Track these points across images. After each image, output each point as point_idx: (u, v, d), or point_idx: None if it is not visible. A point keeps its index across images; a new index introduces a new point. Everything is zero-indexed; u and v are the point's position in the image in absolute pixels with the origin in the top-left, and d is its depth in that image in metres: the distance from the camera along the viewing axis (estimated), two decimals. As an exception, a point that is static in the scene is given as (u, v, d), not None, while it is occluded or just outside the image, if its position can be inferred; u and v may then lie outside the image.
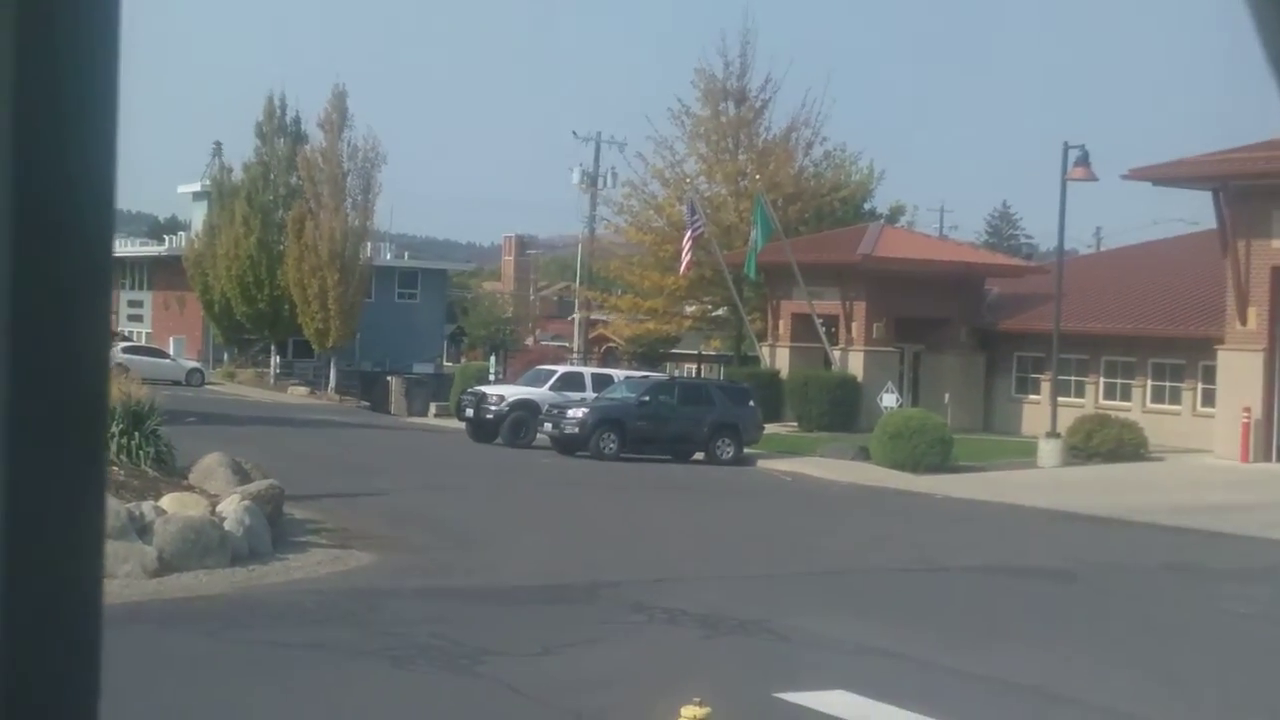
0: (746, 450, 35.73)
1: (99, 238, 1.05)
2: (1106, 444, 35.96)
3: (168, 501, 16.75)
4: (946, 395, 42.62)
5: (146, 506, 16.07)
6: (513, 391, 39.18)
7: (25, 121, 1.01)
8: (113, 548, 14.27)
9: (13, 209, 1.01)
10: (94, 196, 1.05)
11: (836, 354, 45.47)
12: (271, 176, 64.56)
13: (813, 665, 12.06)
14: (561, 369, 42.28)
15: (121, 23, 1.06)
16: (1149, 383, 42.72)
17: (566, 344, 73.36)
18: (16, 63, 1.00)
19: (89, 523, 1.06)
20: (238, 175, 66.30)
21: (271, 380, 64.91)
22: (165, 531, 15.51)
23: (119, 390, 19.65)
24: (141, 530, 15.43)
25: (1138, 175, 38.93)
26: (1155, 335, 41.65)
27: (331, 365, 62.00)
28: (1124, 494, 29.21)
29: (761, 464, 34.83)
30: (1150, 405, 42.10)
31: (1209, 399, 39.15)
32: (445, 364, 70.85)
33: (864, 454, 34.60)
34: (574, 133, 68.24)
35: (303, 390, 61.68)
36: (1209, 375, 39.13)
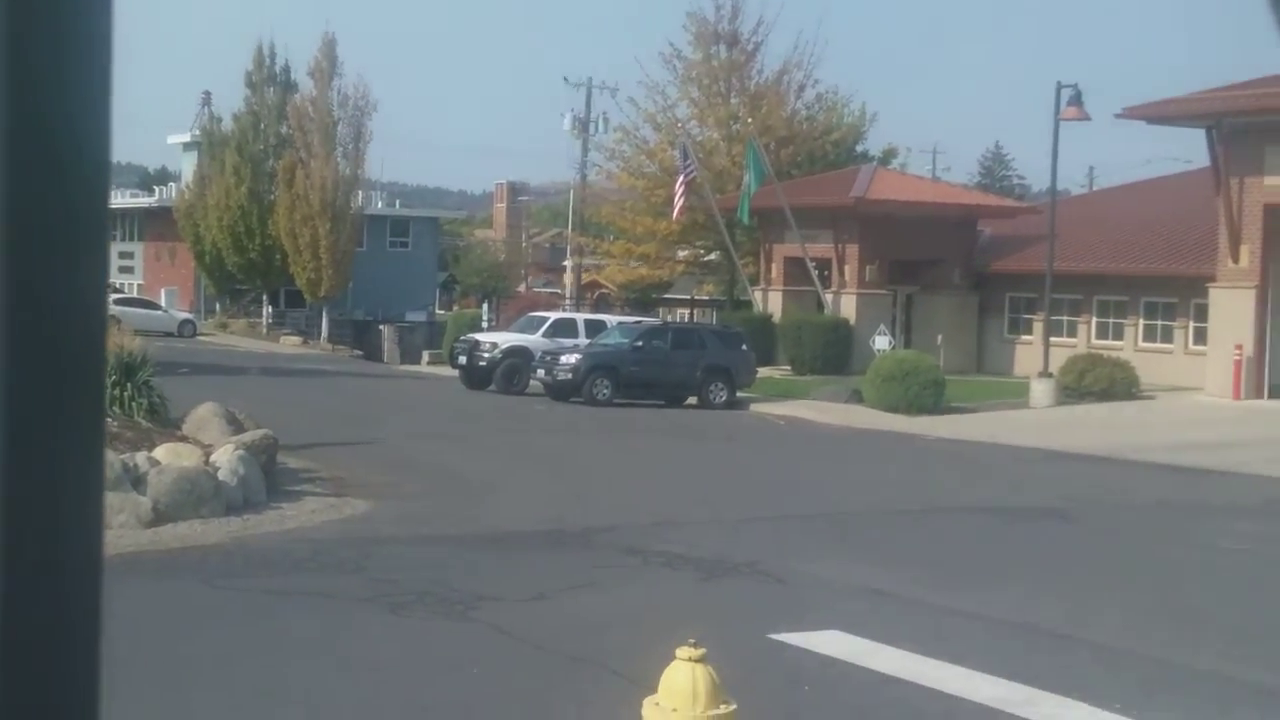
0: (740, 394, 35.79)
1: (94, 190, 1.04)
2: (1099, 383, 36.04)
3: (162, 452, 16.75)
4: (939, 337, 42.65)
5: (140, 457, 16.07)
6: (506, 339, 39.18)
7: (16, 73, 0.99)
8: (107, 499, 14.23)
9: (6, 162, 0.99)
10: (89, 148, 1.04)
11: (829, 297, 45.47)
12: (261, 126, 64.22)
13: (808, 606, 12.12)
14: (554, 315, 42.30)
15: None
16: (1141, 321, 42.77)
17: (559, 291, 73.33)
18: (7, 12, 0.99)
19: (88, 475, 1.05)
20: (227, 125, 65.95)
21: (264, 330, 64.90)
22: (160, 482, 15.52)
23: (111, 342, 19.62)
24: (136, 481, 15.45)
25: (1131, 114, 38.83)
26: (1148, 274, 41.68)
27: (324, 314, 61.93)
28: (1117, 433, 29.31)
29: (755, 408, 34.89)
30: (1142, 344, 42.18)
31: (1201, 337, 39.23)
32: (438, 312, 70.80)
33: (857, 396, 34.66)
34: (565, 78, 68.04)
35: (295, 340, 61.67)
36: (1201, 313, 39.18)
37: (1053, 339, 38.35)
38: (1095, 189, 76.07)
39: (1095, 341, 42.99)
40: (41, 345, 1.02)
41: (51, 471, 1.03)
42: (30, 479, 1.01)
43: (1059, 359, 37.27)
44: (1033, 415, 33.67)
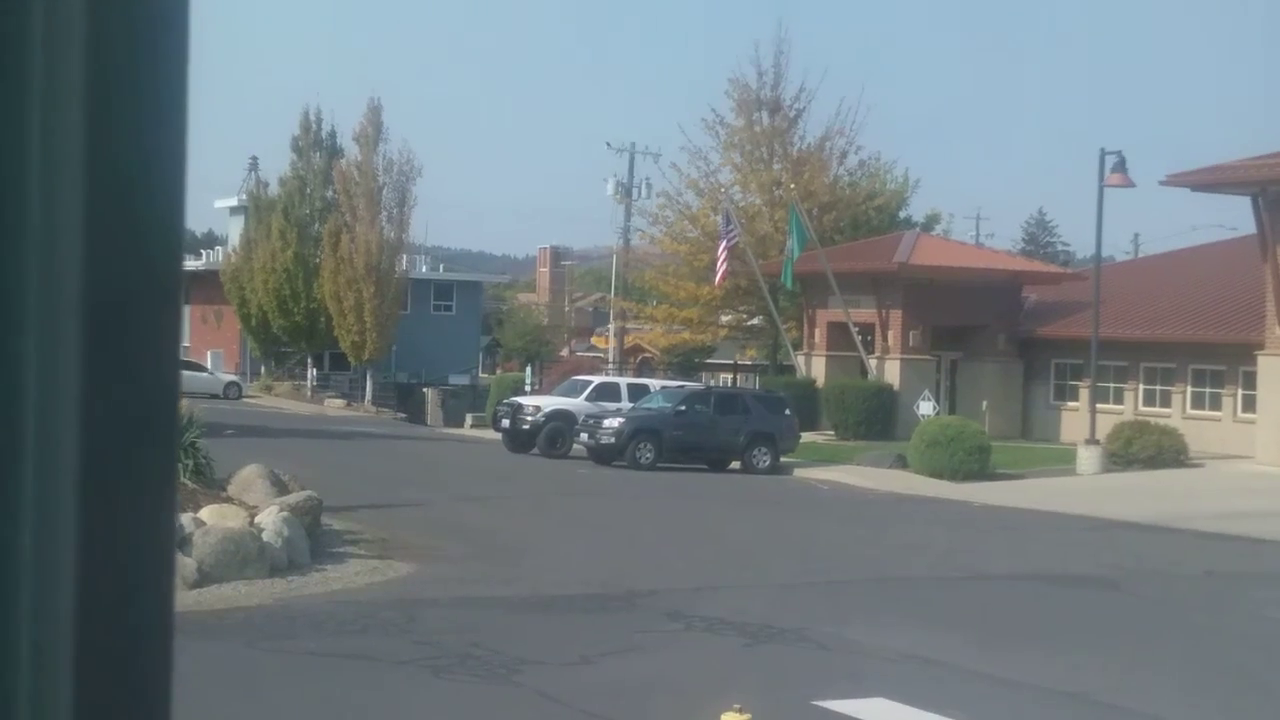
0: (783, 459, 35.68)
1: (168, 254, 1.06)
2: (1146, 450, 35.72)
3: (207, 513, 16.81)
4: (984, 403, 42.44)
5: (186, 518, 16.13)
6: (549, 402, 39.23)
7: (97, 139, 1.01)
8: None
9: (85, 227, 1.01)
10: (163, 213, 1.06)
11: (873, 362, 45.35)
12: (307, 190, 64.89)
13: (852, 673, 12.01)
14: (597, 379, 42.34)
15: (190, 38, 1.06)
16: (1189, 389, 42.43)
17: (602, 354, 73.42)
18: (87, 78, 1.01)
19: (160, 532, 1.06)
20: (274, 190, 66.67)
21: (308, 393, 65.21)
22: (204, 543, 15.57)
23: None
24: (181, 542, 15.48)
25: (1175, 181, 38.70)
26: (1195, 341, 41.39)
27: (368, 377, 62.24)
28: (1165, 501, 29.00)
29: (798, 473, 34.75)
30: (1190, 411, 41.82)
31: (1250, 405, 38.86)
32: (481, 375, 71.00)
33: (901, 462, 34.50)
34: (608, 144, 68.24)
35: (340, 402, 61.93)
36: (1249, 381, 38.84)
37: (1099, 406, 38.06)
38: (1140, 255, 75.80)
39: (1142, 408, 42.68)
40: (118, 403, 1.03)
41: (125, 526, 1.03)
42: (103, 536, 1.02)
43: (1106, 426, 36.98)
44: (1080, 482, 33.39)
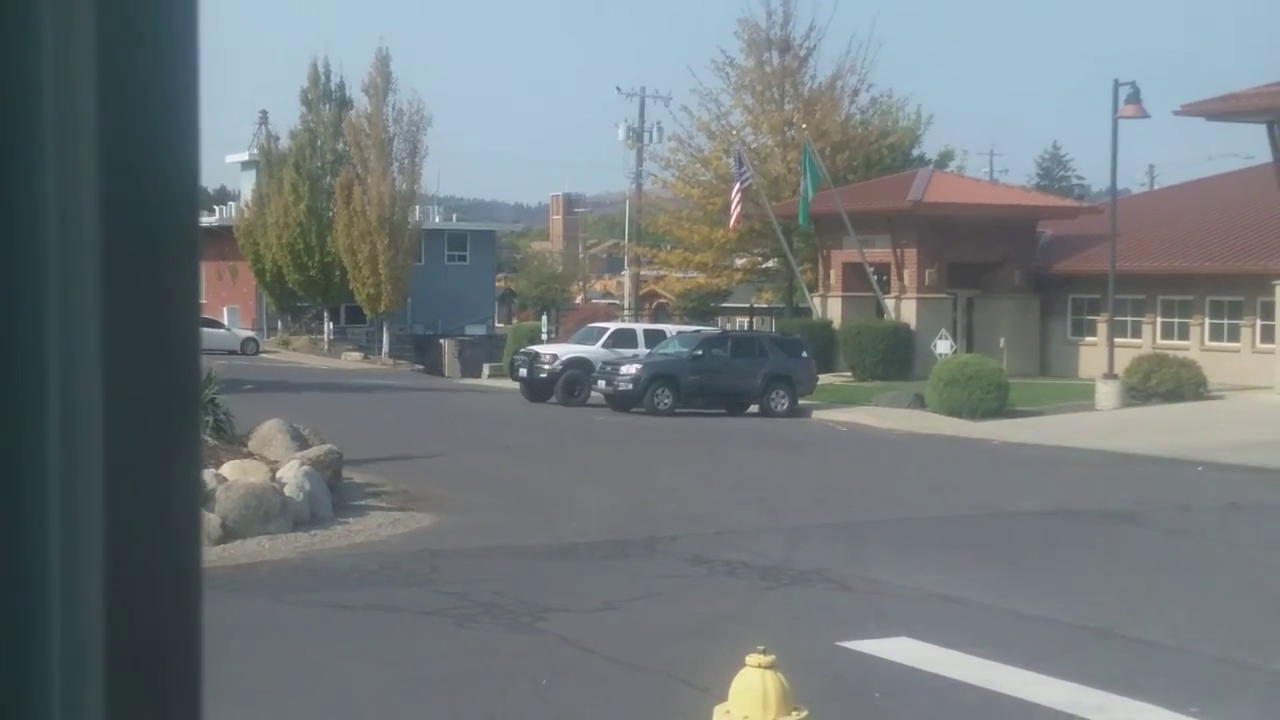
0: (801, 401, 35.68)
1: (184, 210, 1.06)
2: (1165, 384, 35.65)
3: (228, 469, 16.88)
4: (1002, 340, 42.34)
5: (208, 474, 16.19)
6: (565, 350, 39.27)
7: (110, 99, 1.01)
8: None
9: (101, 185, 1.01)
10: (178, 168, 1.06)
11: (889, 302, 45.26)
12: (318, 143, 64.74)
13: (876, 613, 12.05)
14: (613, 326, 42.35)
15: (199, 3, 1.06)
16: (1207, 321, 42.28)
17: (617, 301, 73.40)
18: (98, 37, 1.00)
19: (187, 488, 1.07)
20: (284, 143, 66.55)
21: (325, 347, 65.35)
22: (227, 499, 15.65)
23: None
24: (204, 498, 15.57)
25: (1190, 111, 38.41)
26: (1212, 273, 41.22)
27: (384, 330, 62.32)
28: (1184, 433, 28.96)
29: (816, 415, 34.77)
30: (1208, 343, 41.69)
31: (1268, 335, 38.72)
32: (497, 325, 71.06)
33: (919, 402, 34.48)
34: (618, 88, 68.31)
35: (357, 355, 62.06)
36: (1267, 311, 38.68)
37: (1117, 340, 37.95)
38: (1156, 187, 75.38)
39: (1160, 341, 42.56)
40: (140, 360, 1.03)
41: (152, 483, 1.04)
42: (129, 494, 1.02)
43: (1124, 360, 36.90)
44: (1099, 417, 33.35)
